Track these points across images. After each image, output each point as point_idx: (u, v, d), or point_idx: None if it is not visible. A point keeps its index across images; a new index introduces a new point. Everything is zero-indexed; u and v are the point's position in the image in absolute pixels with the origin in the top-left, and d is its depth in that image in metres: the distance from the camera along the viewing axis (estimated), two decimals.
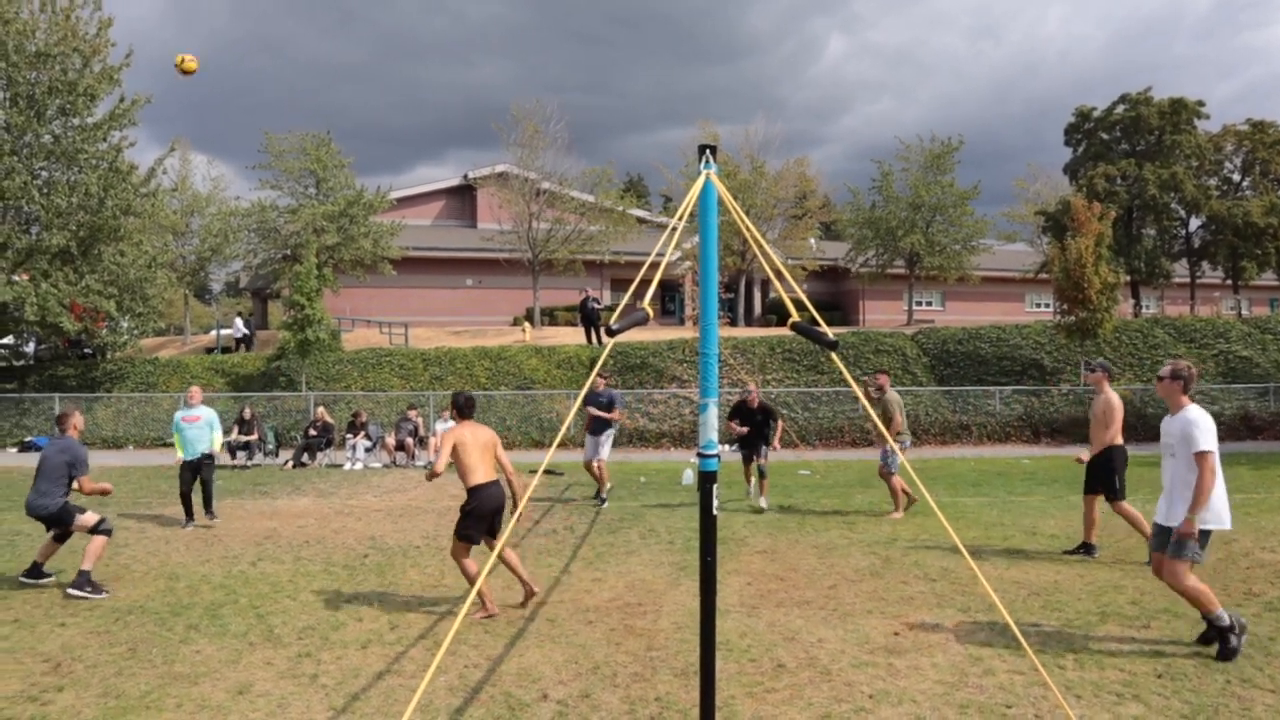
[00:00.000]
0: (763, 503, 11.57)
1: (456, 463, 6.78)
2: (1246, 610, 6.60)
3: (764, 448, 11.83)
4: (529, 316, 34.18)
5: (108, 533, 7.79)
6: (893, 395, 10.78)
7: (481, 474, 6.76)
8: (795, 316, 4.04)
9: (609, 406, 12.36)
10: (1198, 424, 5.64)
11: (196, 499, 10.99)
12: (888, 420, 10.63)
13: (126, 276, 23.28)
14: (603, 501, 12.21)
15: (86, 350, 26.99)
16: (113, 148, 22.42)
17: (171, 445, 11.71)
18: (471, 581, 6.73)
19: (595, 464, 12.27)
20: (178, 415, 11.16)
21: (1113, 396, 8.37)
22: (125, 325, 24.63)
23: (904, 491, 10.90)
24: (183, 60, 6.39)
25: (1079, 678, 5.29)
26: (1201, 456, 5.55)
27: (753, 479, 12.27)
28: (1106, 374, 8.49)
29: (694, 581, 7.25)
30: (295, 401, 22.48)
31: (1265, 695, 4.97)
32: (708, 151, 3.69)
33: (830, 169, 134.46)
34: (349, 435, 18.06)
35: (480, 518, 6.77)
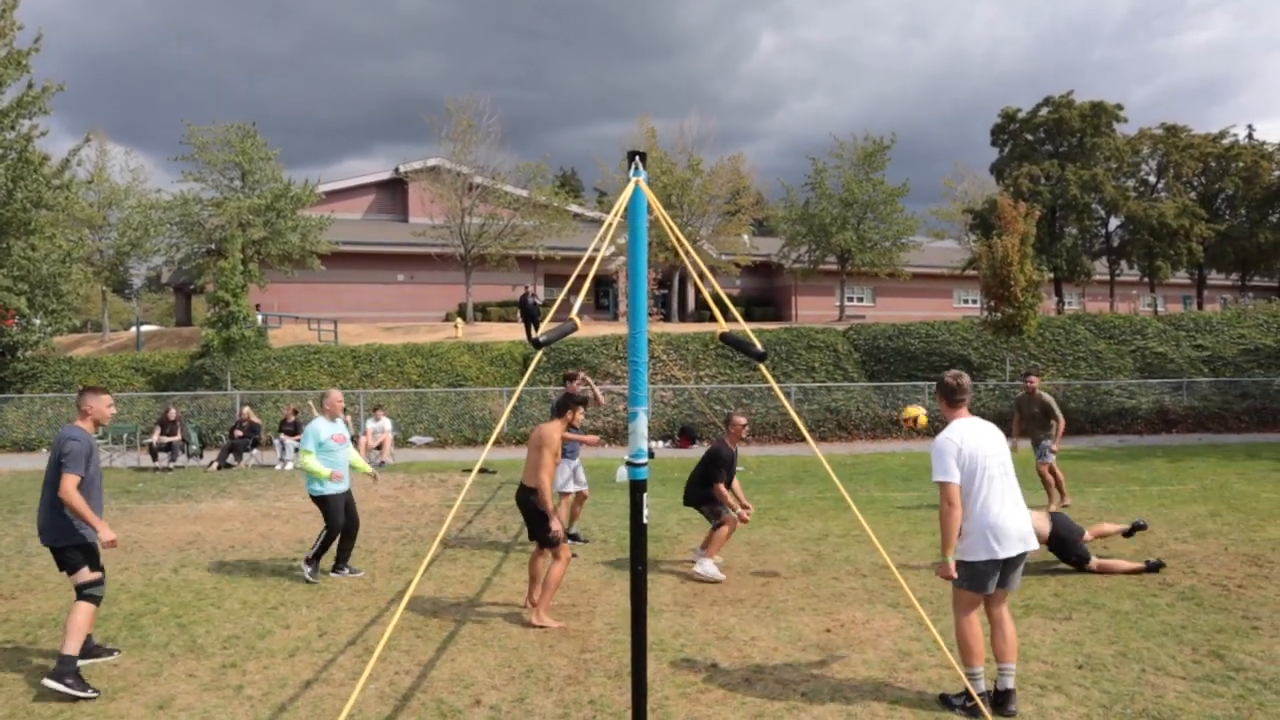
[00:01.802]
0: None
1: None
2: (1160, 600, 6.84)
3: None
4: (461, 312, 33.82)
5: (94, 599, 5.55)
6: (1046, 396, 11.06)
7: (525, 474, 6.73)
8: (723, 326, 4.03)
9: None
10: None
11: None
12: (1049, 417, 10.90)
13: (38, 272, 22.37)
14: (578, 538, 9.50)
15: None
16: (22, 137, 21.46)
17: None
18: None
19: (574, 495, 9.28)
20: (323, 432, 7.98)
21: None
22: (38, 323, 23.68)
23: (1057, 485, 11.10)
24: (915, 417, 6.45)
25: None
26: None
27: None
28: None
29: (628, 582, 7.27)
30: (220, 401, 21.86)
31: (1177, 683, 5.16)
32: (637, 158, 3.67)
33: (763, 165, 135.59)
34: (282, 436, 17.60)
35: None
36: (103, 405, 5.67)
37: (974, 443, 4.85)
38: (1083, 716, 4.72)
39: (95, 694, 5.22)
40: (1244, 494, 11.95)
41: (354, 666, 5.68)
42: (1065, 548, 7.76)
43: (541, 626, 6.40)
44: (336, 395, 8.26)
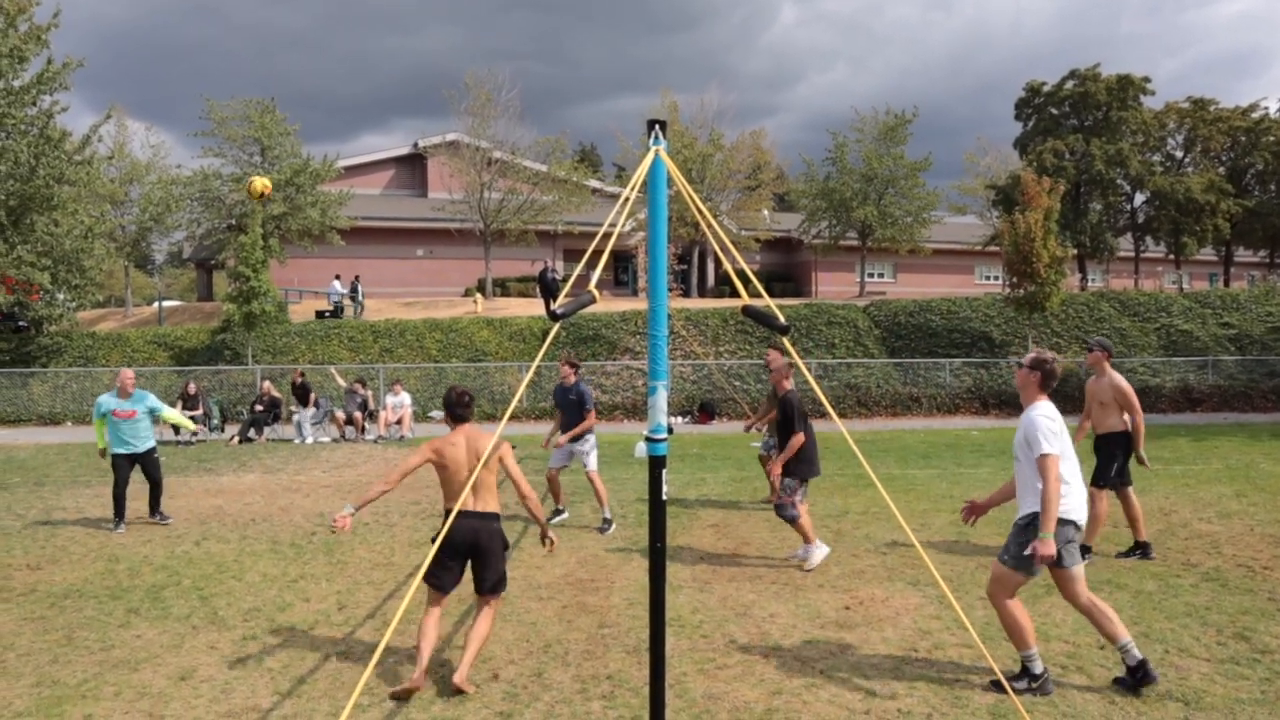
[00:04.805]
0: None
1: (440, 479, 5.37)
2: (1184, 581, 6.76)
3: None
4: (481, 287, 33.84)
5: None
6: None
7: (464, 497, 4.96)
8: (746, 299, 3.99)
9: (580, 405, 8.92)
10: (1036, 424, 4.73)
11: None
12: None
13: (61, 247, 22.53)
14: (608, 525, 8.91)
15: (21, 324, 26.13)
16: (43, 113, 21.57)
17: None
18: (418, 640, 5.10)
19: (586, 476, 9.12)
20: (105, 405, 9.19)
21: (1117, 377, 7.52)
22: (61, 298, 23.90)
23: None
24: (260, 189, 5.99)
25: None
26: (1043, 460, 4.64)
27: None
28: (1106, 352, 7.57)
29: (646, 558, 7.27)
30: (241, 375, 22.02)
31: (1200, 664, 5.09)
32: (657, 127, 3.60)
33: (783, 139, 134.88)
34: (296, 405, 17.59)
35: (451, 554, 5.08)
36: None
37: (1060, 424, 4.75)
38: (1104, 697, 4.67)
39: None
40: (1270, 474, 11.79)
41: (373, 639, 5.71)
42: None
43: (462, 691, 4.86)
44: (126, 374, 9.39)
